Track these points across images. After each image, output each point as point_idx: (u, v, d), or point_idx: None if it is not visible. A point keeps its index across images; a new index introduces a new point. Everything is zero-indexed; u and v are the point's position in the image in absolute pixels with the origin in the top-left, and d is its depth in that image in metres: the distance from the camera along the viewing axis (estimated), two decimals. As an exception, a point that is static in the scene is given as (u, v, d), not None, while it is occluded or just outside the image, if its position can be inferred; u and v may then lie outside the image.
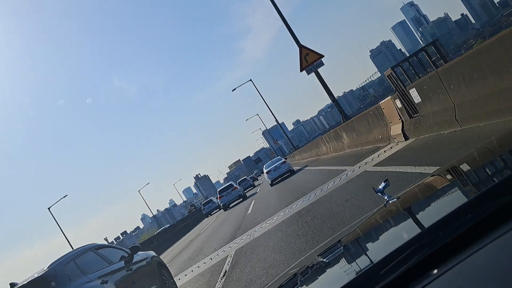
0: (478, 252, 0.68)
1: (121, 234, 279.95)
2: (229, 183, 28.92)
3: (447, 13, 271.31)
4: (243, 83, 38.63)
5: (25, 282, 5.07)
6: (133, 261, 6.23)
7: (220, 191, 27.83)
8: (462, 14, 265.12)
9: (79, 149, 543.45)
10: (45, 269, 5.18)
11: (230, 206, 27.19)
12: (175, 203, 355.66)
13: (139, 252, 6.70)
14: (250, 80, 37.39)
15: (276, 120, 36.93)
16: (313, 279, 1.12)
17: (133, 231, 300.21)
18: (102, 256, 5.89)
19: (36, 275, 5.12)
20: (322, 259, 1.20)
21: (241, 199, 27.43)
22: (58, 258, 5.49)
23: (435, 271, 0.70)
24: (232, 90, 38.42)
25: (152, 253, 7.35)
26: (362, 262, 0.94)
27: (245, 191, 35.01)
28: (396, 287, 0.74)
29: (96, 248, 6.05)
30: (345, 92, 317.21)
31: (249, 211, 15.04)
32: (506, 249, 0.65)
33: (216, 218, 26.34)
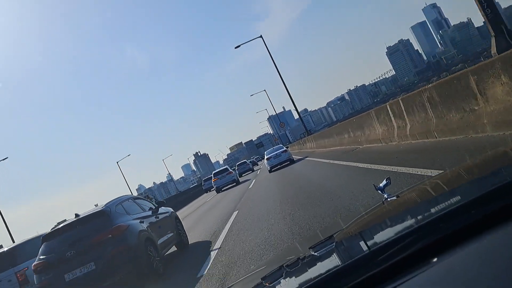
0: (476, 244, 0.70)
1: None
2: (225, 167, 28.99)
3: (470, 18, 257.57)
4: (251, 39, 29.58)
5: (88, 214, 6.55)
6: (158, 212, 7.78)
7: (215, 174, 27.88)
8: (484, 22, 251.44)
9: (87, 116, 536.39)
10: (102, 206, 6.69)
11: (223, 189, 27.13)
12: (172, 178, 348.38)
13: (162, 207, 8.28)
14: (261, 36, 28.03)
15: (289, 95, 27.40)
16: (302, 271, 1.08)
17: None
18: (138, 204, 7.54)
19: (96, 210, 6.65)
20: (313, 253, 1.15)
21: (235, 183, 27.30)
22: (108, 201, 6.96)
23: (435, 259, 0.71)
24: (236, 47, 29.21)
25: (171, 209, 8.94)
26: (356, 254, 0.93)
27: (243, 174, 36.91)
28: (390, 275, 0.74)
29: (133, 198, 7.78)
30: (357, 86, 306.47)
31: (218, 243, 7.10)
32: (506, 242, 0.67)
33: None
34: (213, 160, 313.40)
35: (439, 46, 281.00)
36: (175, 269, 6.98)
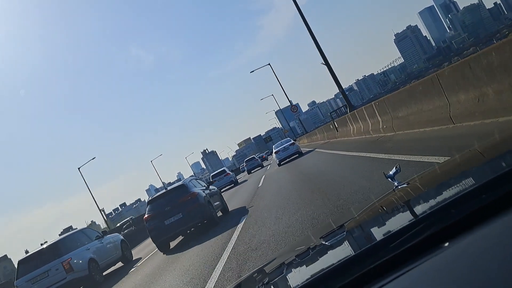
0: (487, 228, 0.70)
1: (119, 205, 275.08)
2: (222, 168, 30.18)
3: (481, 0, 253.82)
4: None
5: (173, 187, 10.98)
6: (209, 188, 11.78)
7: (213, 176, 29.05)
8: (495, 3, 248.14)
9: (92, 116, 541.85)
10: (181, 183, 11.00)
11: (222, 190, 28.15)
12: (183, 176, 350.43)
13: (211, 185, 12.42)
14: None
15: (318, 46, 27.26)
16: (313, 260, 1.09)
17: (134, 203, 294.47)
18: (198, 181, 11.95)
19: (177, 184, 11.12)
20: (324, 242, 1.16)
21: (233, 184, 27.89)
22: (184, 179, 11.63)
23: (447, 243, 0.73)
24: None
25: (216, 188, 12.65)
26: (368, 241, 0.95)
27: (252, 171, 36.21)
28: (402, 261, 0.75)
29: (195, 178, 12.25)
30: (365, 75, 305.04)
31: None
32: None
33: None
34: (222, 157, 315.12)
35: (448, 31, 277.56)
36: (226, 219, 10.92)
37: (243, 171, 51.51)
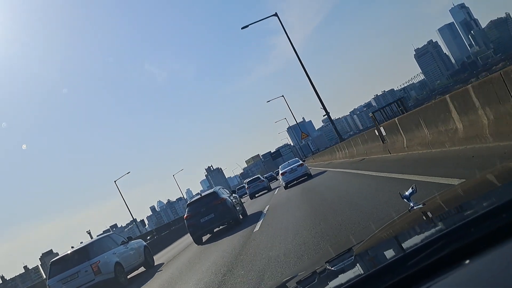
0: (509, 247, 0.73)
1: (110, 227, 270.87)
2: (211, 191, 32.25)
3: (508, 13, 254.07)
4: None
5: (206, 193, 14.31)
6: (233, 195, 15.22)
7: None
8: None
9: (101, 131, 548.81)
10: (212, 190, 14.28)
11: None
12: (191, 193, 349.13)
13: (234, 194, 15.72)
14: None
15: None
16: (320, 285, 1.10)
17: (130, 223, 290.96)
18: (225, 190, 15.15)
19: (210, 191, 14.40)
20: (329, 267, 1.17)
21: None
22: (214, 188, 14.65)
23: (467, 261, 0.76)
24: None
25: (238, 196, 16.03)
26: (379, 262, 0.97)
27: (256, 195, 31.10)
28: (418, 279, 0.79)
29: (222, 187, 15.21)
30: (384, 91, 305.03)
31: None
32: None
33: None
34: (230, 174, 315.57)
35: (469, 48, 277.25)
36: (248, 220, 13.72)
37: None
